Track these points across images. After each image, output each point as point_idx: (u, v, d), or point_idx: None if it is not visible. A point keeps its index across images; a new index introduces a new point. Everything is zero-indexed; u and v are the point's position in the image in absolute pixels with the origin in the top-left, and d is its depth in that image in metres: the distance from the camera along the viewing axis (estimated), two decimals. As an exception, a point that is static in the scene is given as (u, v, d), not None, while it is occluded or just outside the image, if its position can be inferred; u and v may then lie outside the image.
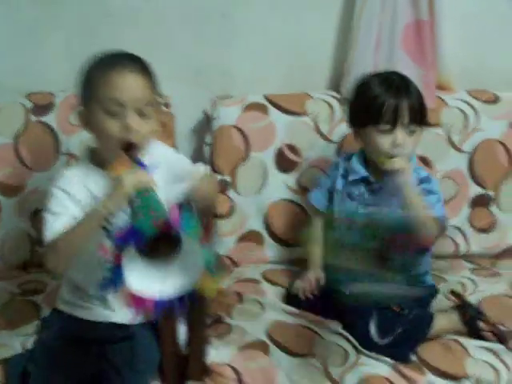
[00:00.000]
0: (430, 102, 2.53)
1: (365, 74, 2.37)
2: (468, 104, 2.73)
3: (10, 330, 2.20)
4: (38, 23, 2.67)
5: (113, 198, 1.79)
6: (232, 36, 2.76)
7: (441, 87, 2.75)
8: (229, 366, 2.09)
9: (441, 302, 2.40)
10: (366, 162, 2.34)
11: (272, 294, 2.48)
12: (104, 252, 1.68)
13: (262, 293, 2.47)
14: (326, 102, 2.72)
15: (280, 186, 2.69)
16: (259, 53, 2.79)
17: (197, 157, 2.82)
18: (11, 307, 2.35)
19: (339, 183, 2.40)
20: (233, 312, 2.33)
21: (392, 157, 2.18)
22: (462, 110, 2.71)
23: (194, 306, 1.97)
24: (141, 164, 1.84)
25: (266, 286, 2.53)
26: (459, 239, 2.73)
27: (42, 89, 2.62)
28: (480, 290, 2.48)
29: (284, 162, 2.68)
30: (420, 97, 2.25)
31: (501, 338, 2.19)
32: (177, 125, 2.68)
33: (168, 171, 1.94)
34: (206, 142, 2.70)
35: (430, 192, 2.26)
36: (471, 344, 2.18)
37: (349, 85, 2.66)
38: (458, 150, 2.70)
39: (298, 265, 2.66)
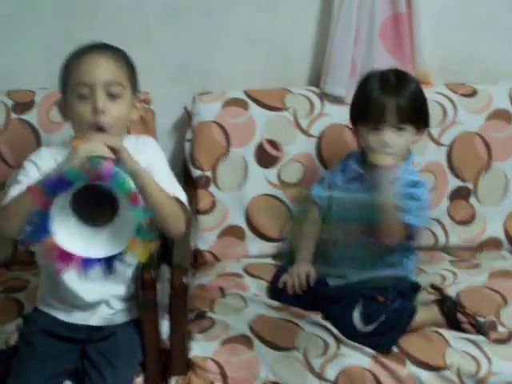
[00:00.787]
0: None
1: (369, 72, 2.38)
2: (446, 97, 2.74)
3: (-7, 328, 2.20)
4: (13, 20, 2.66)
5: (64, 164, 1.80)
6: (212, 32, 2.75)
7: (419, 81, 2.76)
8: (212, 360, 2.10)
9: (421, 295, 2.41)
10: (365, 159, 2.34)
11: (254, 288, 2.48)
12: (34, 194, 1.65)
13: (244, 287, 2.48)
14: (305, 97, 2.72)
15: (261, 181, 2.69)
16: (239, 49, 2.80)
17: (177, 153, 2.83)
18: (-6, 305, 2.35)
19: (338, 179, 2.42)
20: (215, 306, 2.34)
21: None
22: (440, 104, 2.73)
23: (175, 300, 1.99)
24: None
25: (248, 280, 2.54)
26: (439, 231, 2.74)
27: (23, 87, 2.62)
28: (459, 282, 2.50)
29: (264, 157, 2.68)
30: (417, 96, 2.27)
31: (479, 330, 2.21)
32: (157, 121, 2.69)
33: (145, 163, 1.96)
34: (186, 138, 2.70)
35: (413, 197, 2.24)
36: (452, 335, 2.20)
37: (327, 79, 2.69)
38: (437, 142, 2.72)
39: (279, 259, 2.69)
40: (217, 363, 2.10)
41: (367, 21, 2.66)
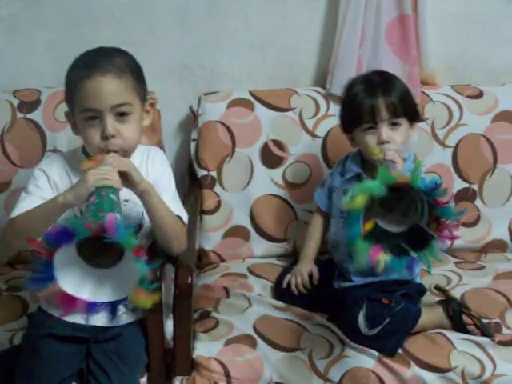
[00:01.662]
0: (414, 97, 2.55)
1: (352, 77, 2.37)
2: (452, 99, 2.74)
3: (-3, 326, 2.20)
4: (20, 20, 2.67)
5: (73, 189, 1.82)
6: (218, 33, 2.76)
7: (425, 82, 2.77)
8: (216, 360, 2.10)
9: (426, 297, 2.40)
10: (362, 160, 2.34)
11: (259, 288, 2.49)
12: (35, 245, 1.67)
13: (248, 287, 2.48)
14: (311, 97, 2.73)
15: (266, 182, 2.70)
16: (245, 49, 2.80)
17: (183, 152, 2.83)
18: (-2, 303, 2.36)
19: (337, 181, 2.41)
20: (220, 306, 2.34)
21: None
22: (446, 105, 2.73)
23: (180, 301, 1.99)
24: None
25: (252, 280, 2.54)
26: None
27: (29, 86, 2.62)
28: (464, 284, 2.49)
29: (269, 158, 2.69)
30: (403, 91, 2.25)
31: (484, 331, 2.21)
32: (163, 120, 2.69)
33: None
34: (191, 138, 2.70)
35: None
36: (456, 337, 2.20)
37: (334, 80, 2.69)
38: (443, 144, 2.72)
39: (284, 259, 2.69)
40: (221, 363, 2.10)
41: (373, 22, 2.66)
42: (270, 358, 2.13)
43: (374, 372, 2.09)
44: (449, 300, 2.30)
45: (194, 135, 2.70)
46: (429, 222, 1.78)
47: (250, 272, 2.60)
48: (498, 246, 2.78)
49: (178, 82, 2.80)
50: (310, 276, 2.41)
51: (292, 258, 2.62)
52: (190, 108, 2.74)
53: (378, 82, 2.24)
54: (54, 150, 2.54)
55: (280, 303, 2.36)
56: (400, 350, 2.14)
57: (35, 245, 1.65)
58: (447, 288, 2.44)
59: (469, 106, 2.74)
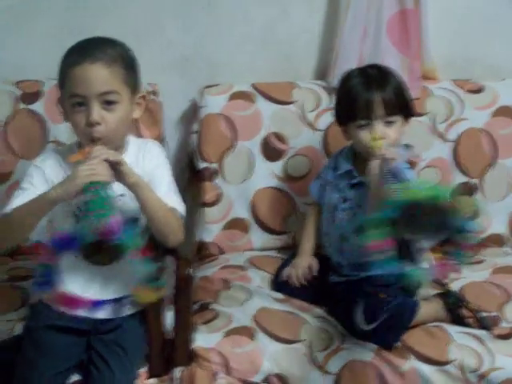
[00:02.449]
0: (415, 92, 2.56)
1: (348, 70, 2.36)
2: (453, 93, 2.75)
3: (-2, 316, 2.21)
4: (23, 11, 2.67)
5: (63, 184, 1.82)
6: (219, 25, 2.76)
7: (426, 76, 2.77)
8: (215, 351, 2.11)
9: (424, 290, 2.40)
10: (355, 156, 2.34)
11: (258, 280, 2.50)
12: (40, 250, 1.69)
13: (248, 279, 2.49)
14: (312, 90, 2.73)
15: (266, 174, 2.71)
16: (247, 42, 2.80)
17: (184, 145, 2.84)
18: (-1, 293, 2.36)
19: (329, 175, 2.42)
20: (219, 298, 2.35)
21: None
22: (446, 99, 2.74)
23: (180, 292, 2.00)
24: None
25: (252, 272, 2.55)
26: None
27: (31, 77, 2.63)
28: (463, 277, 2.49)
29: (270, 150, 2.69)
30: (399, 87, 2.24)
31: (482, 325, 2.21)
32: (164, 113, 2.70)
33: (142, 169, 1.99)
34: (193, 130, 2.71)
35: None
36: (454, 330, 2.21)
37: (335, 73, 2.69)
38: (443, 138, 2.72)
39: (283, 252, 2.70)
40: (220, 354, 2.10)
41: (375, 16, 2.66)
42: (269, 349, 2.13)
43: (372, 364, 2.10)
44: (447, 293, 2.31)
45: (195, 127, 2.70)
46: (434, 248, 1.78)
47: (250, 264, 2.61)
48: (496, 240, 2.79)
49: (179, 75, 2.80)
50: (310, 269, 2.42)
51: (291, 250, 2.62)
52: (192, 101, 2.74)
53: (374, 77, 2.23)
54: (56, 141, 2.55)
55: (279, 295, 2.37)
56: (398, 343, 2.14)
57: (40, 250, 1.66)
58: (445, 281, 2.45)
59: (469, 100, 2.74)
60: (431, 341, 2.17)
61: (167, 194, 2.01)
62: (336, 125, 2.37)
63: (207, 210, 2.68)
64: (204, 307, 2.30)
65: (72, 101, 1.89)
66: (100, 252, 1.79)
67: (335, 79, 2.68)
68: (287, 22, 2.78)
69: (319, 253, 2.50)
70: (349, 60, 2.66)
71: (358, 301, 2.17)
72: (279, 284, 2.45)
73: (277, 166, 2.70)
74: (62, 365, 1.96)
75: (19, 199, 1.90)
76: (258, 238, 2.74)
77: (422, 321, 2.22)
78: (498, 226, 2.78)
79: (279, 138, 2.69)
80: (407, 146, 2.26)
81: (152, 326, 2.05)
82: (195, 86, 2.73)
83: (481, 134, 2.73)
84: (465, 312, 2.24)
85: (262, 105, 2.69)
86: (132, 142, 2.08)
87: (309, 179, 2.64)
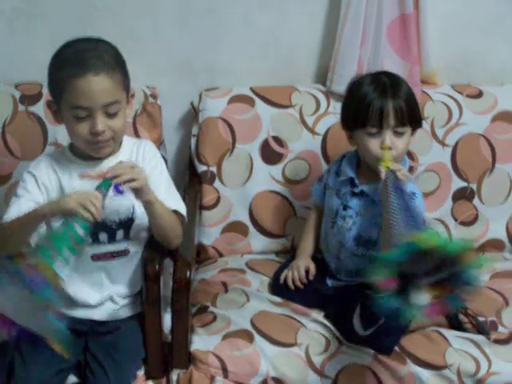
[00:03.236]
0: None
1: (358, 75, 2.37)
2: (452, 98, 2.75)
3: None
4: (22, 13, 2.67)
5: (53, 204, 1.85)
6: (219, 29, 2.75)
7: (425, 81, 2.77)
8: (213, 354, 2.11)
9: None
10: (358, 163, 2.34)
11: (257, 283, 2.50)
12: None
13: (246, 282, 2.49)
14: (311, 94, 2.73)
15: (265, 178, 2.70)
16: (246, 46, 2.80)
17: (183, 148, 2.84)
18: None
19: (331, 180, 2.42)
20: (217, 301, 2.35)
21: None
22: (445, 104, 2.74)
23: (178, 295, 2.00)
24: (116, 189, 1.86)
25: (250, 275, 2.55)
26: (442, 232, 2.75)
27: (30, 79, 2.63)
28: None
29: (269, 154, 2.69)
30: (411, 98, 2.22)
31: (480, 330, 2.22)
32: (164, 116, 2.69)
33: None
34: (192, 134, 2.71)
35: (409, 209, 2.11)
36: (452, 334, 2.21)
37: (334, 78, 2.69)
38: (442, 143, 2.72)
39: (282, 255, 2.70)
40: (218, 357, 2.10)
41: (375, 20, 2.65)
42: (267, 352, 2.13)
43: (370, 369, 2.11)
44: (445, 298, 2.31)
45: (194, 131, 2.70)
46: (430, 287, 1.78)
47: (248, 267, 2.62)
48: (495, 245, 2.79)
49: (179, 78, 2.80)
50: (307, 272, 2.42)
51: (290, 254, 2.62)
52: (191, 104, 2.74)
53: (387, 85, 2.20)
54: (55, 143, 2.55)
55: (278, 298, 2.37)
56: (396, 347, 2.15)
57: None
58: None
59: (468, 105, 2.74)
60: (429, 345, 2.17)
61: (167, 196, 2.03)
62: (336, 129, 2.38)
63: (206, 213, 2.68)
64: (202, 310, 2.31)
65: (74, 113, 1.90)
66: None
67: (334, 84, 2.69)
68: (287, 26, 2.78)
69: (317, 257, 2.50)
70: (348, 64, 2.66)
71: (354, 306, 2.17)
72: (277, 287, 2.45)
73: (276, 170, 2.70)
74: (58, 365, 1.97)
75: (15, 206, 1.94)
76: (256, 241, 2.74)
77: (419, 325, 2.22)
78: (496, 231, 2.79)
79: (278, 141, 2.69)
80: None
81: (150, 328, 2.06)
82: (194, 90, 2.73)
83: (480, 138, 2.73)
84: (463, 317, 2.24)
85: (262, 108, 2.69)
86: (125, 140, 2.10)
87: (308, 183, 2.65)
